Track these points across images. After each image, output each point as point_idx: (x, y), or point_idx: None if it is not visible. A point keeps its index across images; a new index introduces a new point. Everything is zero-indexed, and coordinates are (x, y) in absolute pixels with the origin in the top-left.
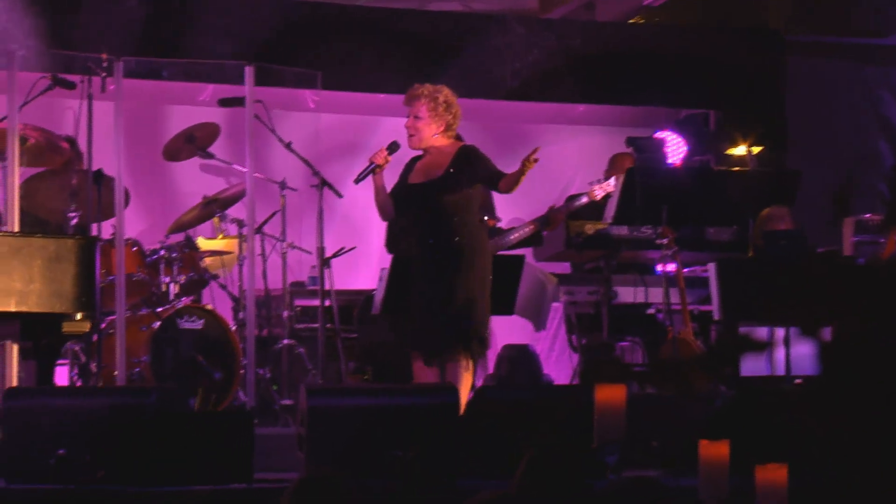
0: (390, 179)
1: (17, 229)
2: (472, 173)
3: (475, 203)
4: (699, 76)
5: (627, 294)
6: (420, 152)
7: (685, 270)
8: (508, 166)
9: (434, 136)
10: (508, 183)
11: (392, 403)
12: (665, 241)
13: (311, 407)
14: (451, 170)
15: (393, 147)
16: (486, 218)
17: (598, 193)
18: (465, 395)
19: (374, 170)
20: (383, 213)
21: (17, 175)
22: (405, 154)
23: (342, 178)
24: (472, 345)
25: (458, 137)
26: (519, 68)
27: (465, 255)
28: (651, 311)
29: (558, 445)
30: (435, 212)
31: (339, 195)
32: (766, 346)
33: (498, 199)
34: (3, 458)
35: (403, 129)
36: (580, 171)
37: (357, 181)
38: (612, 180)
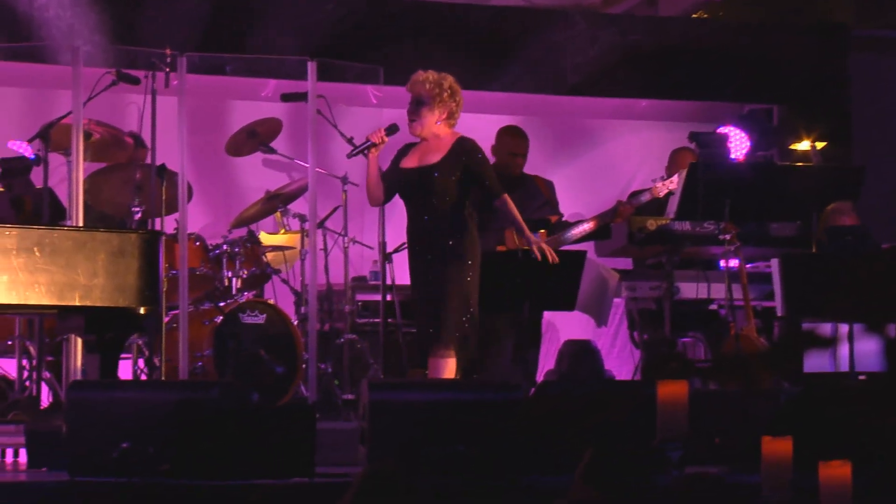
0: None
1: (81, 224)
2: (465, 166)
3: (467, 195)
4: (763, 71)
5: (690, 290)
6: (417, 139)
7: (748, 266)
8: (570, 161)
9: (437, 122)
10: (508, 215)
11: (454, 398)
12: (728, 236)
13: (372, 401)
14: (447, 158)
15: (392, 129)
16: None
17: (662, 191)
18: None
19: (369, 147)
20: (371, 197)
21: (81, 170)
22: (401, 139)
23: None
24: (456, 342)
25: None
26: (581, 63)
27: (453, 249)
28: (713, 306)
29: (620, 441)
30: (425, 200)
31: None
32: (829, 343)
33: (560, 194)
34: (67, 452)
35: (467, 125)
36: (642, 167)
37: (349, 156)
38: (676, 177)
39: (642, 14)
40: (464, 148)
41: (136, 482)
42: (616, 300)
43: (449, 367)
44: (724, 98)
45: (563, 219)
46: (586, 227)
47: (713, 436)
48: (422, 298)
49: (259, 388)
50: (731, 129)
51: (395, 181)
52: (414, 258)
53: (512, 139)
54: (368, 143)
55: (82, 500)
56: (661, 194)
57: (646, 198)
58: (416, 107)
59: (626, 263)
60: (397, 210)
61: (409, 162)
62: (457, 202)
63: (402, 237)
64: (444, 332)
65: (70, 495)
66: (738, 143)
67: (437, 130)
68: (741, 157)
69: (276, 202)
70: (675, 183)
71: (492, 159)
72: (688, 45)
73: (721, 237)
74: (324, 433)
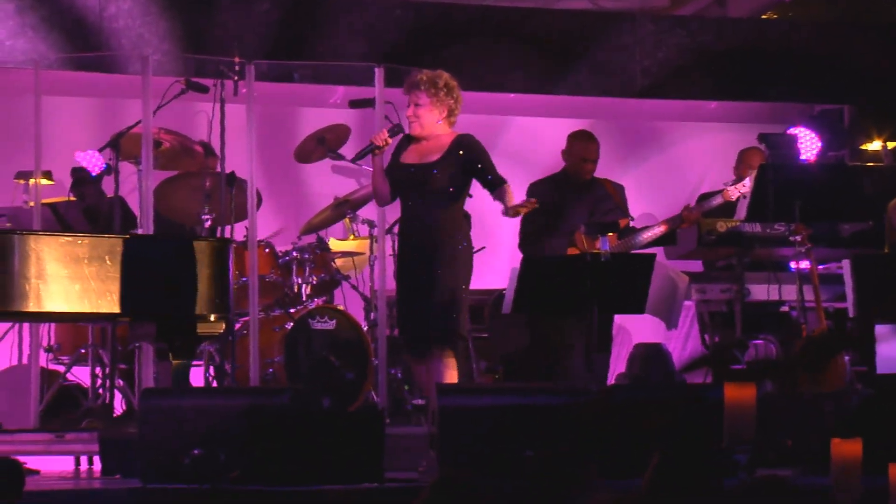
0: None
1: (151, 232)
2: (464, 161)
3: (464, 194)
4: (833, 71)
5: (761, 292)
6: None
7: (819, 267)
8: (639, 164)
9: (437, 122)
10: (508, 202)
11: (523, 403)
12: (799, 237)
13: (442, 406)
14: (446, 157)
15: (395, 130)
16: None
17: (734, 194)
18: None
19: (373, 150)
20: (379, 197)
21: (151, 179)
22: None
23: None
24: (454, 341)
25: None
26: (649, 66)
27: (446, 247)
28: (785, 308)
29: (688, 444)
30: (422, 197)
31: (470, 195)
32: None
33: (629, 197)
34: (140, 458)
35: (534, 129)
36: (712, 169)
37: (354, 160)
38: (748, 181)
39: (711, 15)
40: (462, 143)
41: (207, 489)
42: (686, 303)
43: (452, 369)
44: (794, 99)
45: (633, 222)
46: (657, 231)
47: (785, 438)
48: (410, 297)
49: (329, 393)
50: (801, 129)
51: (396, 178)
52: (405, 255)
53: (583, 144)
54: (372, 146)
55: None
56: (733, 198)
57: (717, 201)
58: (415, 109)
59: (696, 266)
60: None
61: (409, 157)
62: (454, 201)
63: (473, 242)
64: (445, 332)
65: (143, 502)
66: (809, 144)
67: (438, 130)
68: (812, 158)
69: (344, 208)
70: (746, 186)
71: (562, 164)
72: (757, 46)
73: (792, 238)
74: (393, 438)
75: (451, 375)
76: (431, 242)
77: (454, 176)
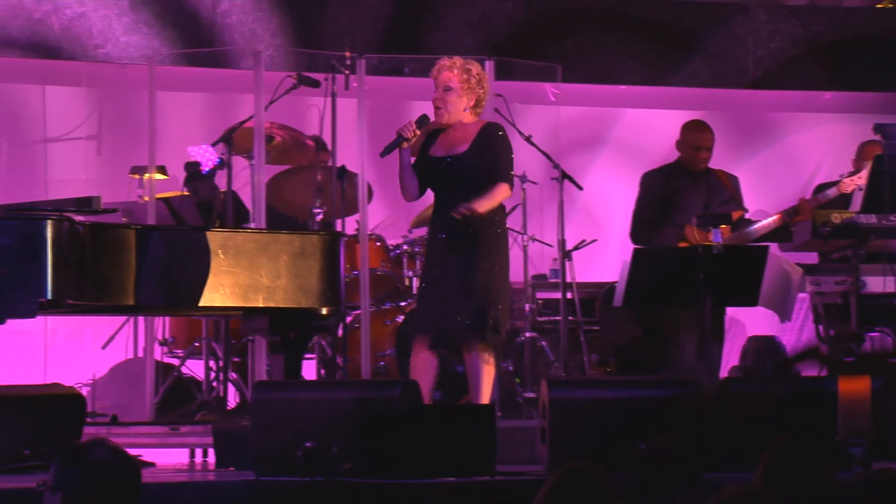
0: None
1: (264, 226)
2: (489, 152)
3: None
4: None
5: (877, 284)
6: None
7: None
8: (752, 155)
9: (464, 110)
10: (474, 200)
11: (634, 395)
12: None
13: (552, 399)
14: (475, 147)
15: (422, 121)
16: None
17: (850, 186)
18: (487, 388)
19: (400, 143)
20: (407, 192)
21: (263, 173)
22: None
23: (583, 171)
24: (488, 335)
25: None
26: (763, 56)
27: (482, 240)
28: None
29: (803, 437)
30: (457, 190)
31: (580, 188)
32: None
33: (743, 189)
34: (253, 451)
35: (646, 121)
36: (826, 160)
37: (383, 154)
38: (864, 172)
39: (825, 4)
40: (490, 131)
41: (319, 481)
42: (801, 295)
43: (489, 364)
44: None
45: (747, 215)
46: (770, 222)
47: None
48: (442, 289)
49: (440, 386)
50: None
51: (425, 170)
52: (438, 247)
53: (696, 133)
54: (400, 138)
55: (268, 500)
56: (849, 190)
57: (833, 193)
58: (444, 94)
59: (811, 258)
60: (576, 207)
61: (438, 150)
62: (485, 191)
63: (583, 234)
64: (483, 326)
65: (256, 494)
66: None
67: (464, 118)
68: None
69: None
70: (863, 178)
71: (676, 154)
72: (872, 35)
73: None
74: (505, 431)
75: (489, 372)
76: (467, 234)
77: (484, 164)
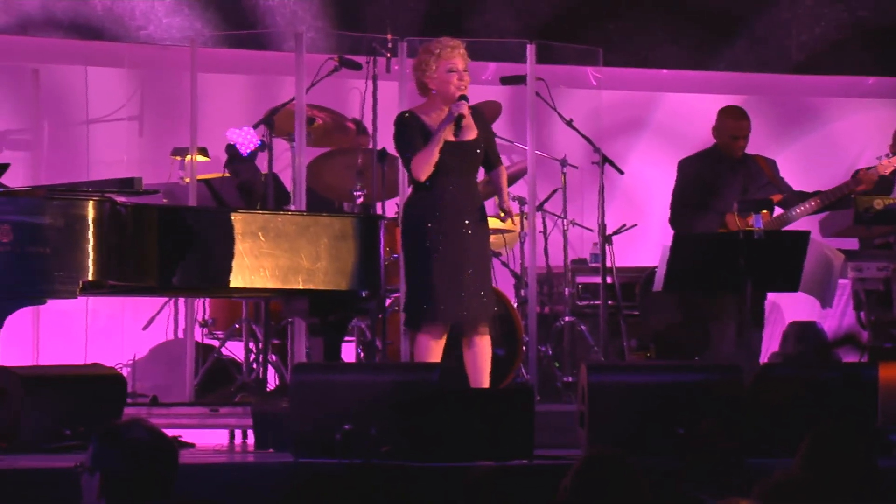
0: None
1: (304, 208)
2: (490, 135)
3: None
4: None
5: None
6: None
7: None
8: (794, 140)
9: None
10: (504, 193)
11: (674, 380)
12: None
13: (591, 383)
14: (481, 132)
15: (463, 97)
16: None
17: (888, 168)
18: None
19: (461, 120)
20: (429, 171)
21: (304, 155)
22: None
23: (624, 155)
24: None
25: None
26: (806, 41)
27: (486, 223)
28: None
29: (843, 422)
30: (466, 174)
31: (621, 172)
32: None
33: (785, 174)
34: (292, 433)
35: (687, 105)
36: (869, 145)
37: (456, 134)
38: None
39: None
40: (478, 112)
41: (358, 463)
42: (842, 281)
43: (489, 347)
44: None
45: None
46: (811, 204)
47: None
48: (462, 274)
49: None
50: None
51: (448, 155)
52: (461, 234)
53: (733, 121)
54: (461, 116)
55: (306, 482)
56: (888, 172)
57: (871, 175)
58: (462, 74)
59: (852, 244)
60: (616, 192)
61: (463, 134)
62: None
63: (623, 219)
64: (491, 309)
65: (294, 476)
66: None
67: None
68: None
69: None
70: None
71: (713, 140)
72: None
73: None
74: (544, 415)
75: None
76: (477, 219)
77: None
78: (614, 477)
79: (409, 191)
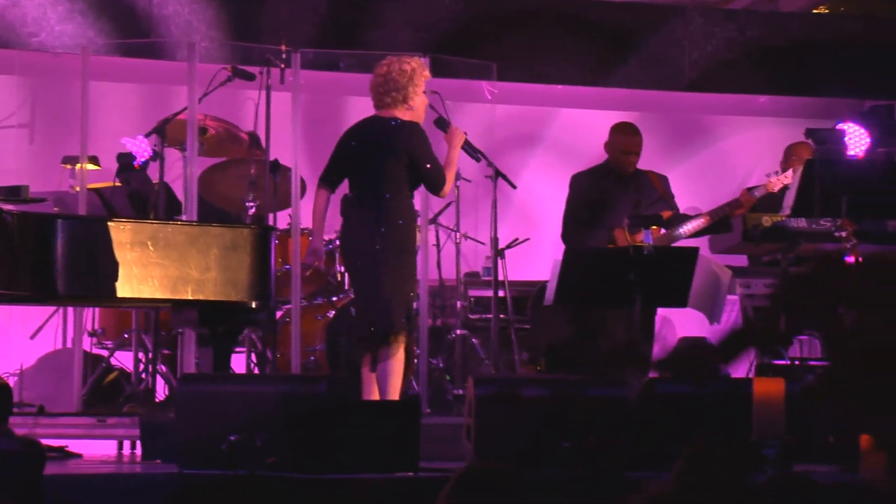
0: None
1: (195, 218)
2: None
3: None
4: (884, 66)
5: None
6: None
7: None
8: (686, 157)
9: None
10: None
11: (561, 394)
12: (844, 233)
13: (478, 397)
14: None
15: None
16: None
17: (777, 185)
18: (397, 387)
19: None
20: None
21: (196, 165)
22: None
23: (517, 170)
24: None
25: None
26: (699, 59)
27: None
28: None
29: (718, 439)
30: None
31: (514, 186)
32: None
33: (676, 191)
34: (177, 443)
35: (580, 121)
36: (760, 163)
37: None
38: (791, 171)
39: (762, 9)
40: None
41: (243, 474)
42: (731, 297)
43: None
44: (845, 94)
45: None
46: (699, 222)
47: (827, 434)
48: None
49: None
50: (850, 125)
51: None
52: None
53: (625, 137)
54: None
55: (190, 492)
56: (776, 189)
57: (760, 192)
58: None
59: (741, 260)
60: (510, 206)
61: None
62: None
63: (516, 233)
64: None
65: (178, 487)
66: (857, 140)
67: None
68: (860, 154)
69: None
70: (789, 177)
71: (604, 156)
72: (807, 41)
73: (837, 234)
74: (433, 428)
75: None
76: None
77: None
78: (492, 489)
79: (389, 197)
